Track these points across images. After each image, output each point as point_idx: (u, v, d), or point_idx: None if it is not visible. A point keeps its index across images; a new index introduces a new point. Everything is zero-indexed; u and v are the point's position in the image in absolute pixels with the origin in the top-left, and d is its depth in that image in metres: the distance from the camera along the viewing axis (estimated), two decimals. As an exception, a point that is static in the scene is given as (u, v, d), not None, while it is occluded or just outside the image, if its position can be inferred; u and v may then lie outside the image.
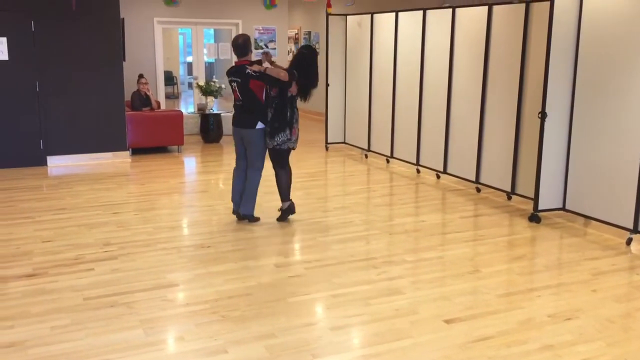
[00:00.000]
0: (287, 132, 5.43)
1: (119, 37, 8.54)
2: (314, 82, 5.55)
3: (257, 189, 5.66)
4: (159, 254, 4.87)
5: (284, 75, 5.33)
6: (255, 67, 5.41)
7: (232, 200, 5.80)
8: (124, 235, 5.34)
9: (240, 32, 11.31)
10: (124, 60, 8.86)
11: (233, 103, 5.73)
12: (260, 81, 5.38)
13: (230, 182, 5.83)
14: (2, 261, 4.67)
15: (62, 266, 4.57)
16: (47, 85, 8.10)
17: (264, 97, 5.46)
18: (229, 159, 8.96)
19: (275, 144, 5.45)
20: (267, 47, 11.69)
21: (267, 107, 5.45)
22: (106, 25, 8.32)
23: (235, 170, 5.78)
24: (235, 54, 5.60)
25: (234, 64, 5.66)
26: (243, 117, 5.54)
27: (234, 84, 5.51)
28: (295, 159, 8.78)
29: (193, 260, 4.74)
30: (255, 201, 5.69)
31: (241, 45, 5.52)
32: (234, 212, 5.80)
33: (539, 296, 4.10)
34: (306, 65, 5.51)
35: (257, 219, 5.73)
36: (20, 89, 7.98)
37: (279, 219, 5.76)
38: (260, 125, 5.47)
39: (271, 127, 5.43)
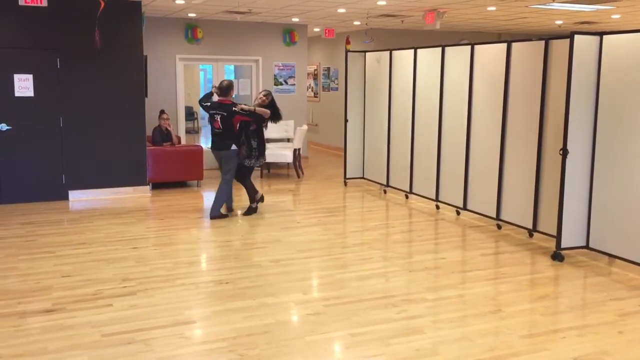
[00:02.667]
0: (265, 155, 7.51)
1: (142, 74, 8.70)
2: (279, 115, 7.57)
3: (226, 197, 7.34)
4: (177, 289, 4.86)
5: (267, 114, 7.28)
6: (244, 107, 7.17)
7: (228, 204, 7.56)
8: (142, 270, 5.34)
9: (260, 69, 11.53)
10: (146, 96, 9.00)
11: (211, 130, 7.31)
12: (248, 118, 7.14)
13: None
14: (22, 296, 4.69)
15: (81, 302, 4.57)
16: (70, 121, 8.25)
17: (237, 128, 7.14)
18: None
19: (258, 164, 7.44)
20: (286, 82, 11.83)
21: (240, 135, 7.18)
22: (129, 63, 8.50)
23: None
24: (220, 93, 7.24)
25: (215, 101, 7.25)
26: (222, 142, 7.15)
27: (218, 116, 7.08)
28: (313, 194, 8.80)
29: (211, 296, 4.72)
30: (222, 206, 7.32)
31: (225, 88, 7.21)
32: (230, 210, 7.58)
33: (563, 338, 4.00)
34: (274, 104, 7.54)
35: (225, 215, 7.35)
36: (45, 124, 8.13)
37: (245, 214, 7.49)
38: (233, 147, 7.13)
39: (258, 152, 7.35)
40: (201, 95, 7.62)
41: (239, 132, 7.19)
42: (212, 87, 7.64)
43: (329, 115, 14.05)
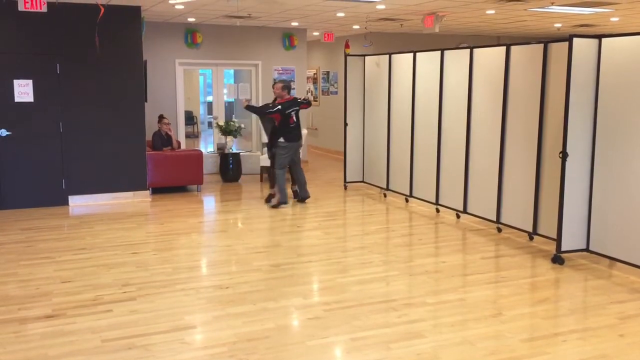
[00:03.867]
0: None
1: (142, 78, 8.70)
2: None
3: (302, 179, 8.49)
4: (178, 295, 4.85)
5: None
6: (302, 98, 8.89)
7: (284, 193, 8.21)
8: (142, 275, 5.33)
9: (260, 73, 11.54)
10: (146, 101, 9.01)
11: (286, 128, 8.02)
12: (307, 105, 8.39)
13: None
14: (22, 302, 4.68)
15: (81, 307, 4.57)
16: (70, 126, 8.25)
17: None
18: (247, 198, 8.98)
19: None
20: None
21: None
22: (129, 68, 8.51)
23: (284, 172, 8.21)
24: (288, 92, 8.28)
25: (282, 101, 8.08)
26: (298, 133, 8.20)
27: (293, 112, 8.04)
28: (313, 198, 8.79)
29: (211, 301, 4.71)
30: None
31: (289, 87, 8.43)
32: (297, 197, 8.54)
33: (564, 341, 3.99)
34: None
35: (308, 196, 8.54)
36: (44, 129, 8.13)
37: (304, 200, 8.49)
38: None
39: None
40: (257, 108, 8.51)
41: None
42: (245, 99, 8.66)
43: (329, 119, 14.06)
